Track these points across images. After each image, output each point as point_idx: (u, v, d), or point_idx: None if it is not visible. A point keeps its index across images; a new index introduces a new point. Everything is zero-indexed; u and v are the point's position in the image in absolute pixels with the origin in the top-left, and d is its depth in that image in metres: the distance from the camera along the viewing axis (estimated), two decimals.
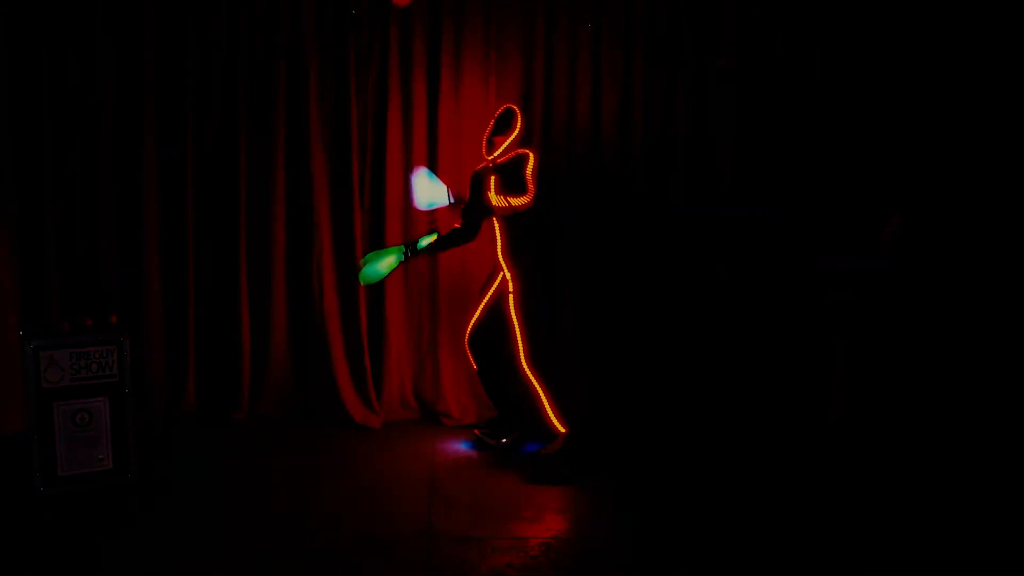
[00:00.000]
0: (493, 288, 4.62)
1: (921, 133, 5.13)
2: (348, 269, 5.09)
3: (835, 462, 4.60)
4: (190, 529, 3.65)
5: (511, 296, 4.49)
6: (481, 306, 4.67)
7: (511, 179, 4.45)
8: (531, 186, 4.37)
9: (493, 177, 4.51)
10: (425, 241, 4.66)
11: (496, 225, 4.55)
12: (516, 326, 4.47)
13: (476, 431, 4.81)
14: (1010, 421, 4.88)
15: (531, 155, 4.46)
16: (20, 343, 3.92)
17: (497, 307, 4.57)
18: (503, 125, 4.55)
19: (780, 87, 5.22)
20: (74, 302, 4.86)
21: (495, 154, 4.57)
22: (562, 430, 4.44)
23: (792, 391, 5.20)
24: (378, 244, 5.17)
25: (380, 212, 5.15)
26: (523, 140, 4.60)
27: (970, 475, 4.39)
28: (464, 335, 4.78)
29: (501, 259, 4.55)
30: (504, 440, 4.67)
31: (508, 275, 4.52)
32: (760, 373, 5.25)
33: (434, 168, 5.11)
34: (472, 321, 4.70)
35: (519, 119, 4.53)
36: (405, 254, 4.61)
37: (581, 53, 5.19)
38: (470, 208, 4.63)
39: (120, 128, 4.93)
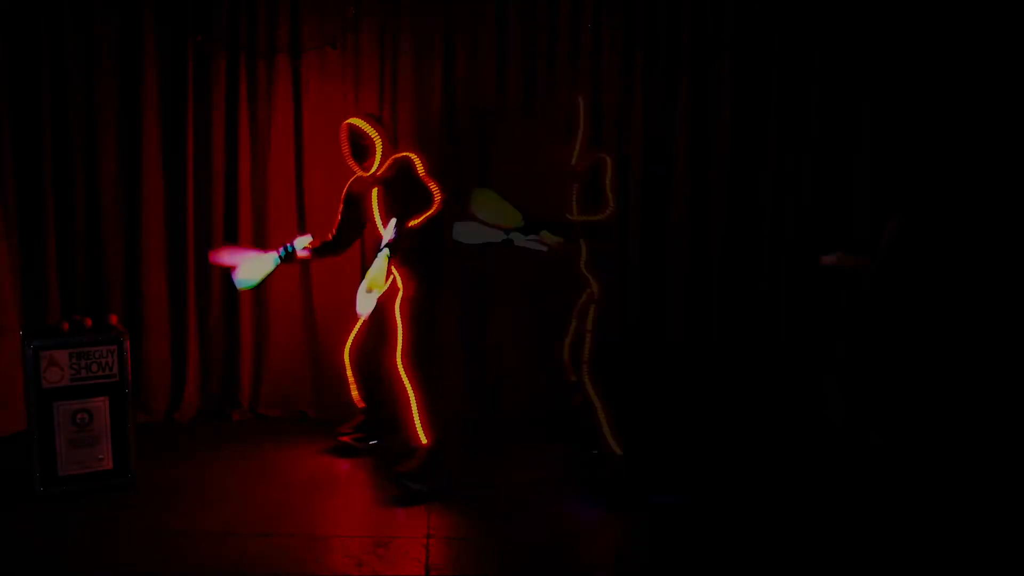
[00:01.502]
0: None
1: (922, 133, 5.12)
2: (346, 268, 5.10)
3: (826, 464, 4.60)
4: (189, 529, 3.65)
5: (399, 297, 4.22)
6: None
7: (400, 188, 4.20)
8: (434, 187, 4.09)
9: (376, 190, 4.30)
10: (301, 245, 4.46)
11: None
12: (399, 327, 4.19)
13: (343, 437, 4.61)
14: (1009, 421, 4.87)
15: (413, 156, 4.21)
16: (20, 343, 3.92)
17: (382, 309, 4.27)
18: (357, 140, 4.24)
19: (781, 86, 5.21)
20: (74, 302, 4.87)
21: (373, 168, 4.27)
22: (424, 441, 4.11)
23: (784, 392, 5.20)
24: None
25: None
26: None
27: (972, 476, 4.39)
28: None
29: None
30: (372, 443, 4.50)
31: (398, 276, 4.25)
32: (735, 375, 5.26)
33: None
34: (355, 329, 4.52)
35: (373, 129, 4.23)
36: (281, 257, 4.40)
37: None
38: (346, 225, 4.48)
39: (120, 127, 4.93)
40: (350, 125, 4.26)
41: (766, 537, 3.71)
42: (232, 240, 5.03)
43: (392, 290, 4.26)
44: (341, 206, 4.52)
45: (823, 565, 3.50)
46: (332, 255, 4.63)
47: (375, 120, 4.35)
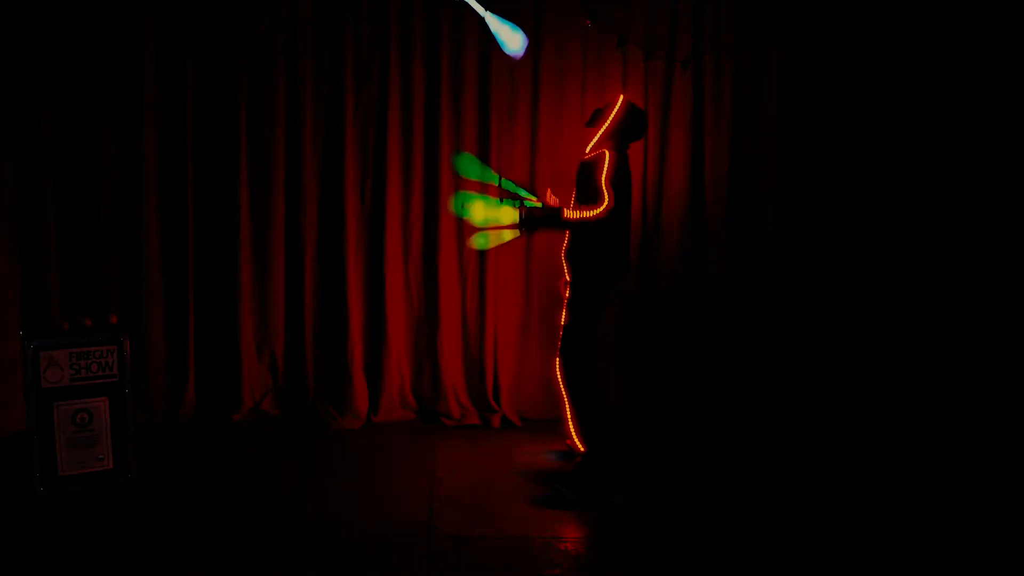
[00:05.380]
0: (566, 291, 4.29)
1: (918, 139, 5.10)
2: (343, 268, 5.11)
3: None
4: (189, 530, 3.65)
5: (567, 300, 4.19)
6: (564, 311, 4.33)
7: (585, 180, 4.15)
8: (607, 194, 3.97)
9: (578, 168, 4.24)
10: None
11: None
12: (562, 330, 4.17)
13: (568, 442, 4.48)
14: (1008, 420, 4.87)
15: (607, 155, 4.07)
16: (20, 343, 3.92)
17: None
18: (596, 116, 4.25)
19: (780, 87, 5.19)
20: (74, 302, 4.87)
21: (587, 147, 4.26)
22: (581, 448, 4.15)
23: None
24: (377, 244, 5.16)
25: (380, 212, 5.14)
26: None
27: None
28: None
29: (563, 258, 4.24)
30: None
31: (567, 277, 4.21)
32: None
33: (433, 170, 5.13)
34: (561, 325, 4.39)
35: (616, 110, 4.17)
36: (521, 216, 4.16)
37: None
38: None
39: (120, 127, 4.93)
40: (623, 99, 4.23)
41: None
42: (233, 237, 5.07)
43: (566, 291, 4.22)
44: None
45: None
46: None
47: (632, 111, 4.23)
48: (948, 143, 5.05)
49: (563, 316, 4.18)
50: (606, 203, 3.98)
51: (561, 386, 4.17)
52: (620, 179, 4.07)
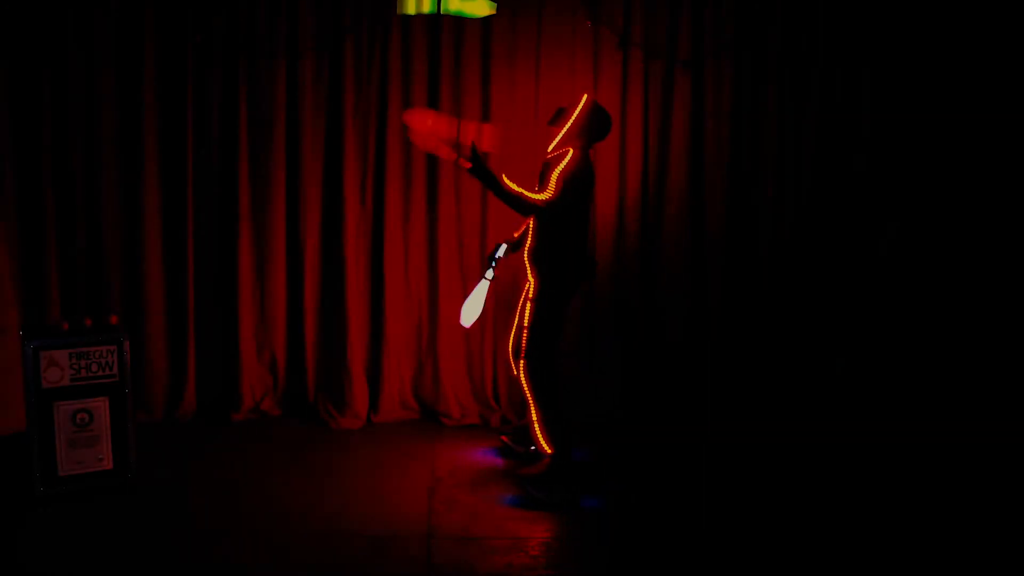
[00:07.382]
0: (523, 292, 4.30)
1: (918, 140, 5.10)
2: (343, 268, 5.11)
3: None
4: (189, 530, 3.65)
5: (529, 302, 4.15)
6: (518, 311, 4.39)
7: (544, 176, 4.12)
8: (552, 188, 3.96)
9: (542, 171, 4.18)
10: (500, 252, 4.46)
11: (529, 223, 4.19)
12: (524, 332, 4.14)
13: (503, 437, 4.64)
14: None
15: (570, 152, 4.06)
16: (20, 343, 3.92)
17: (521, 311, 4.28)
18: (559, 115, 4.21)
19: (779, 87, 5.20)
20: (74, 302, 4.87)
21: (549, 145, 4.23)
22: (548, 450, 4.12)
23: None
24: (377, 244, 5.16)
25: (380, 212, 5.13)
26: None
27: None
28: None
29: (526, 260, 4.18)
30: (532, 448, 4.32)
31: (530, 277, 4.16)
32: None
33: (434, 169, 5.13)
34: (514, 327, 4.45)
35: (579, 110, 4.14)
36: (489, 278, 4.44)
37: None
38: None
39: (121, 127, 4.92)
40: (588, 98, 4.19)
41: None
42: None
43: (528, 293, 4.18)
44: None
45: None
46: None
47: (596, 111, 4.19)
48: (950, 143, 5.05)
49: (526, 317, 4.14)
50: (548, 195, 3.97)
51: (525, 388, 4.14)
52: (578, 178, 4.04)
